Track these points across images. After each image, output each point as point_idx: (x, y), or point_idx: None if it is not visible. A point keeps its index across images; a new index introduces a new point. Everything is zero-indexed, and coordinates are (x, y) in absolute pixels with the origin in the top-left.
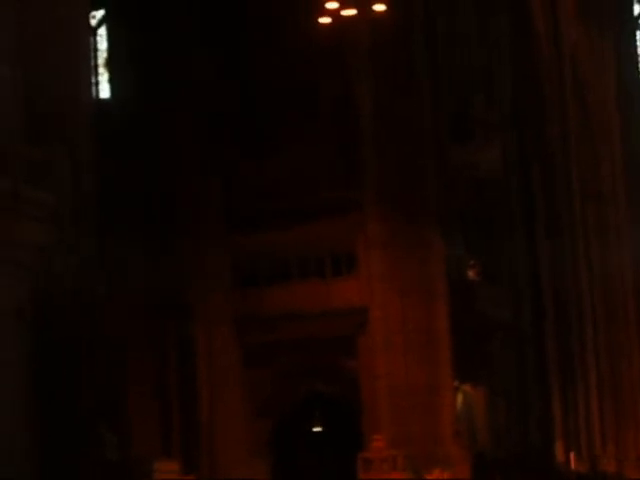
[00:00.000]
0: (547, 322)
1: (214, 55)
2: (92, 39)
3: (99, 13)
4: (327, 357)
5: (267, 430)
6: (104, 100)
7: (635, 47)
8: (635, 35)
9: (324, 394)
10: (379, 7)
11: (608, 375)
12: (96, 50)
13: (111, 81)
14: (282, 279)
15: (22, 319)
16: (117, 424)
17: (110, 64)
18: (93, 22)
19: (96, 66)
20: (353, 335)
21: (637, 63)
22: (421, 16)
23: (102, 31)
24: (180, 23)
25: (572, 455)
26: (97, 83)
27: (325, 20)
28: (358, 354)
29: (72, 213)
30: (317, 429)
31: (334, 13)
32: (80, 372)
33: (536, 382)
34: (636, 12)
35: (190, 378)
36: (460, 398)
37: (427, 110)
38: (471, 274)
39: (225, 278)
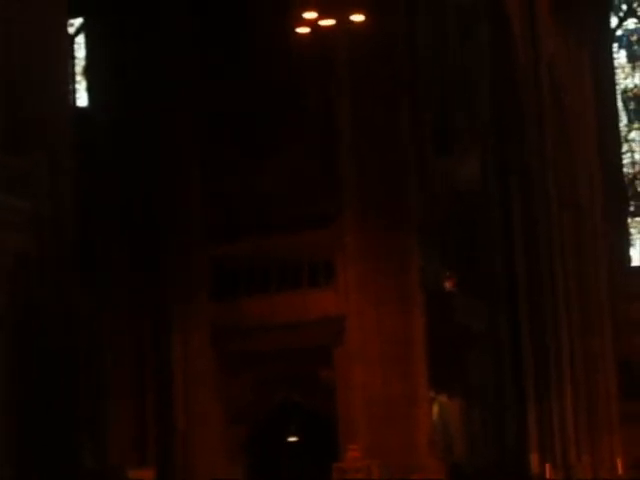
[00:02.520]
0: (523, 332)
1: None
2: (70, 47)
3: (77, 21)
4: (303, 367)
5: (242, 437)
6: (82, 108)
7: (612, 60)
8: (612, 48)
9: (300, 404)
10: (357, 17)
11: (583, 384)
12: (74, 58)
13: (90, 89)
14: (261, 289)
15: (1, 327)
16: (94, 431)
17: (89, 71)
18: (71, 30)
19: (73, 74)
20: (329, 345)
21: (614, 76)
22: (403, 26)
23: (79, 39)
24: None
25: (548, 466)
26: (74, 91)
27: (303, 30)
28: (334, 364)
29: (51, 219)
30: (292, 439)
31: (313, 22)
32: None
33: (512, 393)
34: (613, 25)
35: (166, 383)
36: (436, 409)
37: (408, 120)
38: (448, 285)
39: (204, 283)
